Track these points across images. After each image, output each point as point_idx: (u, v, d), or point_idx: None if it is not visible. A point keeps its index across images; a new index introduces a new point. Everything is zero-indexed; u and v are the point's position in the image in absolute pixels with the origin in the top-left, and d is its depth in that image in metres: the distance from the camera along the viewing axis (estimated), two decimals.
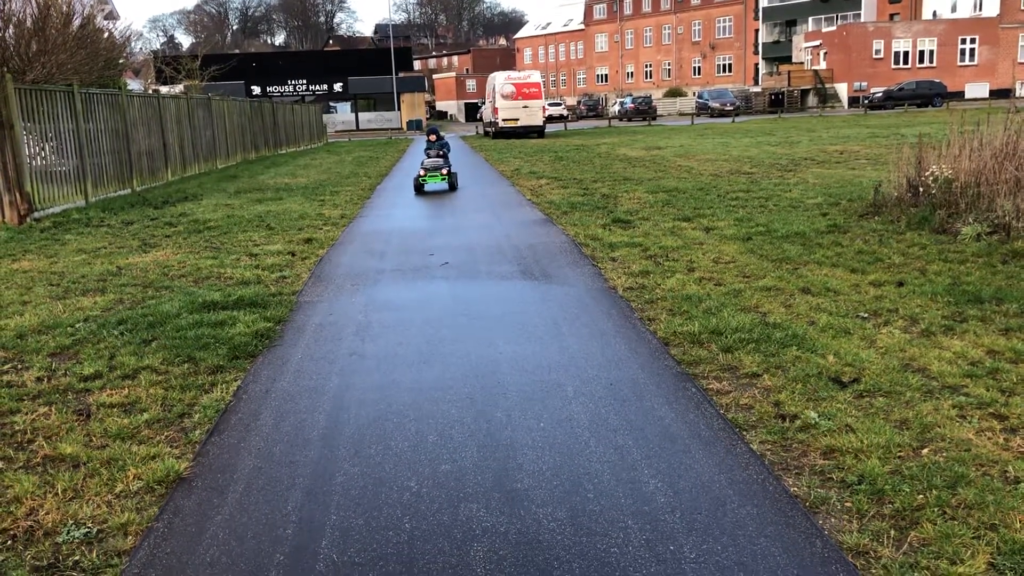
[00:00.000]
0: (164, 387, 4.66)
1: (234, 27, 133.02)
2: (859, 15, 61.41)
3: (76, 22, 17.99)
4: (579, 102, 75.23)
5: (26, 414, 4.33)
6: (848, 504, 3.16)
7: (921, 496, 3.16)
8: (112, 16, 31.50)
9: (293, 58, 66.50)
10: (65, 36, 16.50)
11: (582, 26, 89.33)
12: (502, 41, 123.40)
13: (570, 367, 4.81)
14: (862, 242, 8.09)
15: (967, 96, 53.86)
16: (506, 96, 35.95)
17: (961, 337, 5.04)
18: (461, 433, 3.92)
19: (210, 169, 22.28)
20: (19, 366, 5.16)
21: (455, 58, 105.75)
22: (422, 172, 14.95)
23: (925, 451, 3.55)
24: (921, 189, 9.12)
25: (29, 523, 3.22)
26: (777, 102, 58.36)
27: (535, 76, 37.88)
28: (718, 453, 3.63)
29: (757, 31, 71.41)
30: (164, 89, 34.78)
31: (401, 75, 62.89)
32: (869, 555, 2.83)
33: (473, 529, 3.07)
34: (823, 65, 59.14)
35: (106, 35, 21.65)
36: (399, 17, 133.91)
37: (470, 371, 4.81)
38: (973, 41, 55.59)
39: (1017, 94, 51.70)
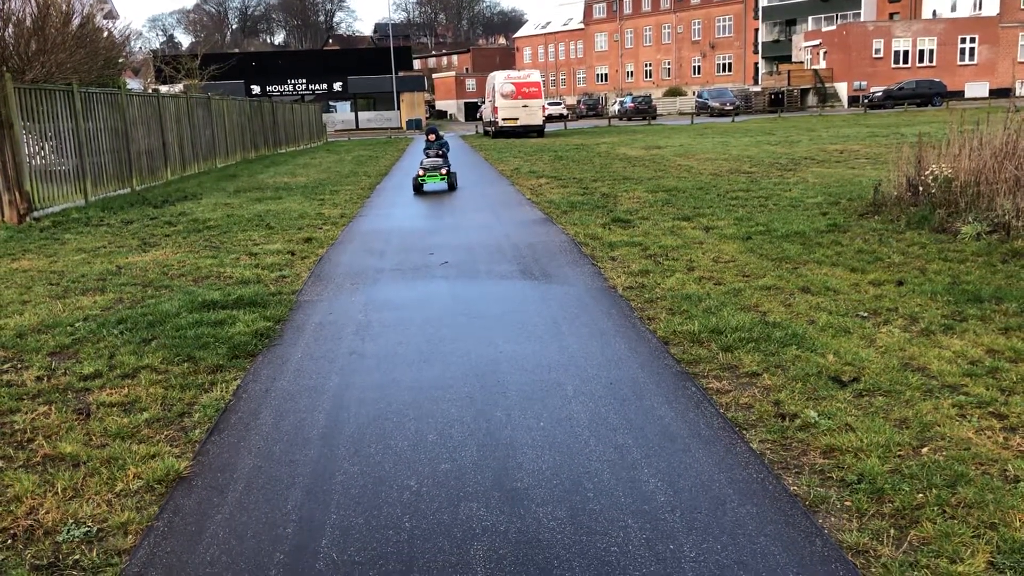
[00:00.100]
0: (164, 386, 4.66)
1: (233, 26, 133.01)
2: (859, 14, 61.40)
3: (75, 21, 17.98)
4: (579, 101, 75.20)
5: (26, 413, 4.33)
6: (848, 503, 3.17)
7: (921, 495, 3.16)
8: (111, 15, 31.51)
9: (293, 57, 66.47)
10: (64, 35, 16.49)
11: (582, 25, 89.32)
12: (502, 40, 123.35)
13: (570, 366, 4.82)
14: (862, 241, 8.10)
15: (967, 95, 53.85)
16: (506, 95, 35.94)
17: (961, 336, 5.04)
18: (461, 432, 3.92)
19: (210, 168, 22.28)
20: (19, 365, 5.16)
21: (455, 57, 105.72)
22: (421, 172, 14.91)
23: (925, 450, 3.55)
24: (921, 188, 9.12)
25: (29, 522, 3.22)
26: (777, 101, 58.36)
27: (535, 75, 37.88)
28: (718, 452, 3.63)
29: (757, 30, 71.41)
30: (164, 88, 34.77)
31: (401, 74, 62.88)
32: (869, 554, 2.83)
33: (473, 528, 3.07)
34: (823, 64, 59.14)
35: (105, 34, 21.66)
36: (399, 16, 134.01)
37: (470, 370, 4.81)
38: (973, 40, 55.59)
39: (1017, 93, 51.70)
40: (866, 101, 50.89)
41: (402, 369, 4.89)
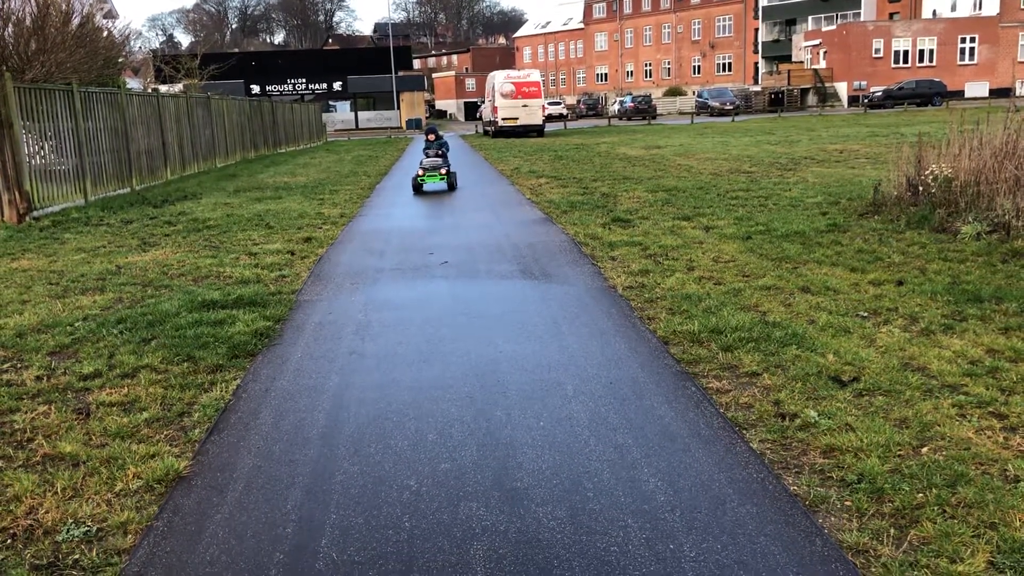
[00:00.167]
0: (163, 386, 4.66)
1: (233, 26, 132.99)
2: (859, 14, 61.41)
3: (75, 21, 17.98)
4: (579, 101, 75.21)
5: (26, 413, 4.33)
6: (848, 503, 3.16)
7: (921, 495, 3.16)
8: (111, 15, 31.51)
9: (292, 57, 66.47)
10: (64, 35, 16.49)
11: (582, 25, 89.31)
12: (501, 40, 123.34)
13: (570, 366, 4.81)
14: (862, 241, 8.10)
15: (967, 95, 53.85)
16: (506, 95, 35.95)
17: (961, 336, 5.04)
18: (461, 432, 3.92)
19: (209, 168, 22.28)
20: (18, 365, 5.15)
21: (454, 57, 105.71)
22: (420, 172, 14.89)
23: (925, 450, 3.55)
24: (921, 188, 9.12)
25: (29, 522, 3.21)
26: (777, 101, 58.36)
27: (535, 75, 37.89)
28: (718, 452, 3.63)
29: (757, 30, 71.42)
30: (163, 88, 34.77)
31: (400, 74, 62.88)
32: (869, 553, 2.83)
33: (473, 528, 3.07)
34: (823, 64, 59.14)
35: (105, 34, 21.66)
36: (398, 16, 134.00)
37: (470, 370, 4.80)
38: (973, 40, 55.59)
39: (1017, 93, 51.69)
40: (866, 101, 50.90)
41: (402, 369, 4.89)
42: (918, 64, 55.66)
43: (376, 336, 5.59)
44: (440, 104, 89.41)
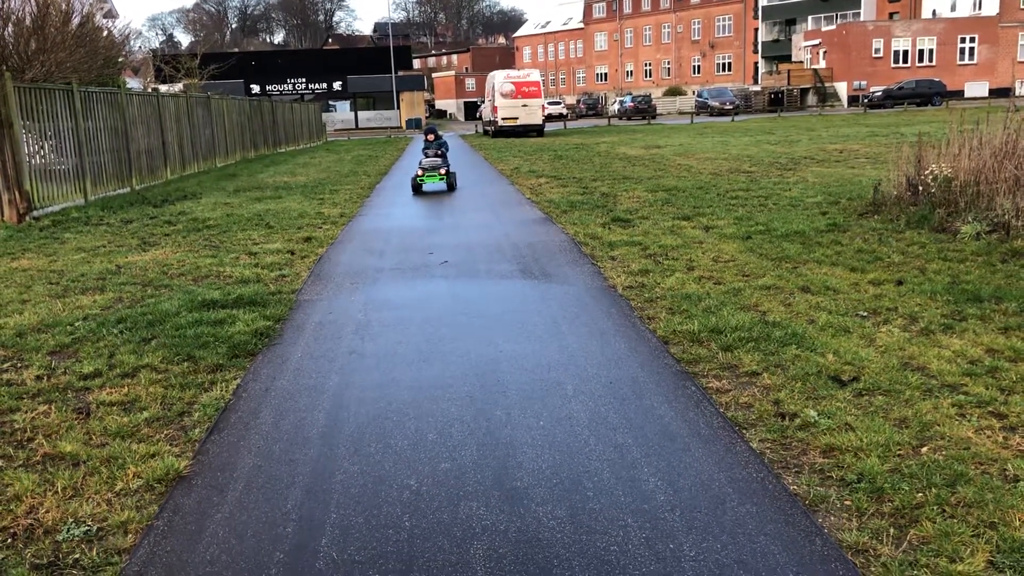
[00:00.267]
0: (164, 385, 4.66)
1: (233, 26, 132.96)
2: (858, 14, 61.41)
3: (75, 20, 17.98)
4: (578, 101, 75.23)
5: (26, 412, 4.33)
6: (848, 502, 3.17)
7: (920, 494, 3.16)
8: (111, 14, 31.51)
9: (292, 57, 66.46)
10: (64, 34, 16.48)
11: (581, 25, 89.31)
12: (501, 40, 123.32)
13: (570, 366, 4.82)
14: (861, 241, 8.10)
15: (966, 95, 53.86)
16: (505, 95, 35.94)
17: (960, 336, 5.04)
18: (461, 431, 3.92)
19: (209, 168, 22.27)
20: (19, 364, 5.15)
21: (454, 57, 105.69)
22: (420, 172, 14.86)
23: (924, 449, 3.56)
24: (920, 188, 9.13)
25: (29, 521, 3.21)
26: (777, 101, 58.36)
27: (534, 75, 37.89)
28: (718, 451, 3.63)
29: (757, 30, 71.42)
30: (163, 88, 34.76)
31: (400, 74, 62.87)
32: (868, 553, 2.83)
33: (473, 527, 3.07)
34: (822, 64, 59.14)
35: (105, 33, 21.66)
36: (398, 16, 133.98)
37: (470, 369, 4.81)
38: (972, 40, 55.60)
39: (1017, 93, 51.71)
40: (866, 101, 50.90)
41: (402, 368, 4.89)
42: (918, 64, 55.67)
43: (376, 336, 5.59)
44: (440, 104, 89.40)
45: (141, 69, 44.69)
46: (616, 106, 62.58)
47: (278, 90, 58.50)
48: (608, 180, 15.35)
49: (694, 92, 66.48)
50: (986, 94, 52.56)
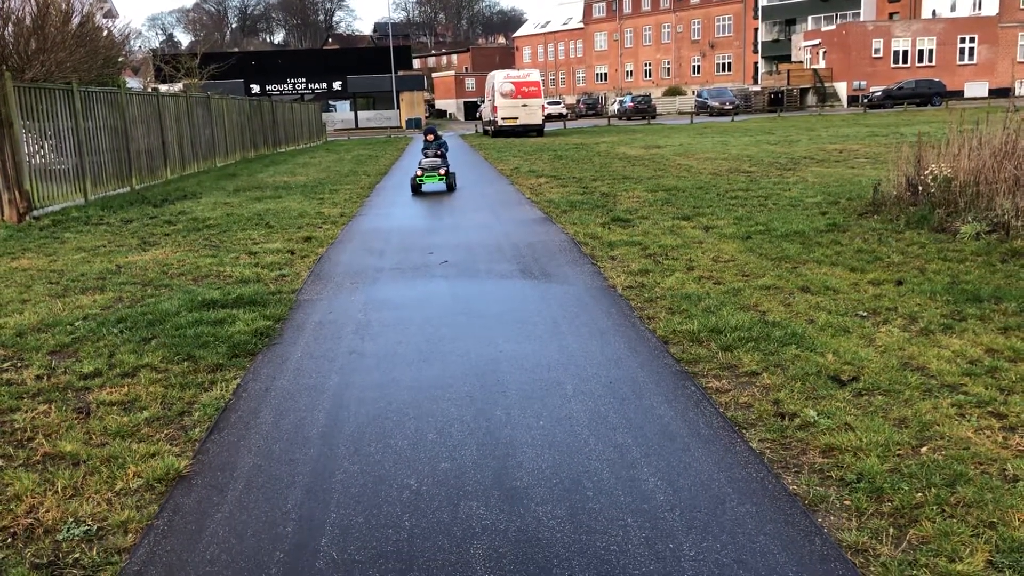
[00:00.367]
0: (164, 385, 4.66)
1: (233, 25, 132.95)
2: (858, 14, 61.41)
3: (75, 20, 17.98)
4: (578, 101, 75.23)
5: (26, 412, 4.33)
6: (847, 502, 3.17)
7: (920, 494, 3.16)
8: (111, 14, 31.51)
9: (292, 57, 66.47)
10: (64, 34, 16.49)
11: (581, 25, 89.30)
12: (501, 40, 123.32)
13: (569, 365, 4.82)
14: (861, 241, 8.10)
15: (966, 95, 53.86)
16: (505, 95, 35.95)
17: (960, 336, 5.04)
18: (461, 431, 3.92)
19: (209, 167, 22.27)
20: (19, 364, 5.16)
21: (454, 57, 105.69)
22: (419, 172, 14.84)
23: (924, 449, 3.56)
24: (920, 188, 9.13)
25: (29, 521, 3.22)
26: (776, 101, 58.37)
27: (534, 75, 37.90)
28: (717, 451, 3.63)
29: (756, 30, 71.42)
30: (163, 87, 34.76)
31: (400, 74, 62.87)
32: (868, 553, 2.83)
33: (473, 527, 3.07)
34: (822, 64, 59.15)
35: (105, 33, 21.66)
36: (398, 16, 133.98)
37: (469, 369, 4.81)
38: (972, 40, 55.60)
39: (1016, 93, 51.72)
40: (865, 101, 50.91)
41: (402, 368, 4.89)
42: (918, 64, 55.67)
43: (376, 335, 5.60)
44: (440, 104, 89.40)
45: (141, 69, 44.70)
46: (616, 106, 62.57)
47: (278, 90, 58.50)
48: (608, 180, 15.35)
49: (694, 92, 66.48)
50: (986, 94, 52.56)
